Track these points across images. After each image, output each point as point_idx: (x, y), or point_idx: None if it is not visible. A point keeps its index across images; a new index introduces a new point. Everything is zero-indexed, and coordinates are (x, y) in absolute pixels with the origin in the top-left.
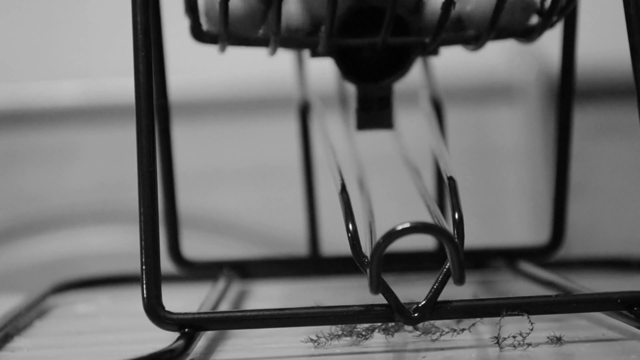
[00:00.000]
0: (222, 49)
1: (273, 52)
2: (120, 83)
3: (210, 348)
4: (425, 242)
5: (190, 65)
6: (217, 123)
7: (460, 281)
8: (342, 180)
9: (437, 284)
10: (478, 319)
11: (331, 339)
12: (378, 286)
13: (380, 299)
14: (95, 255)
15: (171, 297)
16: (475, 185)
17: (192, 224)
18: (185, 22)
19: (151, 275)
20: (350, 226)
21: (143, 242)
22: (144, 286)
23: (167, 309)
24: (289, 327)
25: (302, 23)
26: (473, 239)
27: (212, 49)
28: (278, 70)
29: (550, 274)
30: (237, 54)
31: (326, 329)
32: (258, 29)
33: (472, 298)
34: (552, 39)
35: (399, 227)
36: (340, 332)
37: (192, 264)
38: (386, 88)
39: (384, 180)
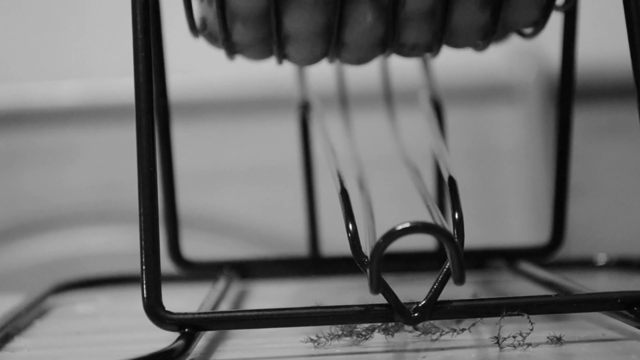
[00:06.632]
0: (230, 57)
1: (279, 62)
2: (120, 83)
3: (210, 348)
4: (425, 242)
5: (190, 65)
6: (217, 123)
7: (460, 281)
8: (342, 180)
9: (437, 284)
10: (478, 319)
11: (331, 339)
12: (378, 286)
13: (380, 299)
14: (95, 255)
15: (171, 297)
16: (475, 185)
17: (192, 224)
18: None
19: (151, 275)
20: (350, 226)
21: (143, 242)
22: (144, 286)
23: (167, 309)
24: (289, 327)
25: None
26: (473, 239)
27: (211, 49)
28: (278, 71)
29: (550, 274)
30: None
31: (326, 329)
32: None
33: (472, 298)
34: (552, 39)
35: (399, 227)
36: (340, 332)
37: (192, 264)
38: None
39: (384, 180)
